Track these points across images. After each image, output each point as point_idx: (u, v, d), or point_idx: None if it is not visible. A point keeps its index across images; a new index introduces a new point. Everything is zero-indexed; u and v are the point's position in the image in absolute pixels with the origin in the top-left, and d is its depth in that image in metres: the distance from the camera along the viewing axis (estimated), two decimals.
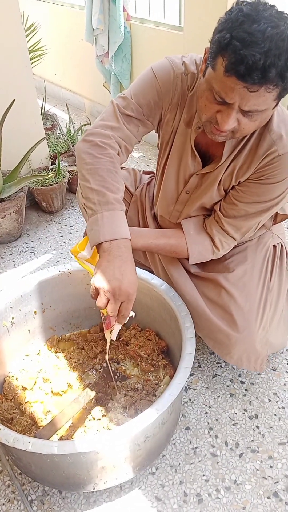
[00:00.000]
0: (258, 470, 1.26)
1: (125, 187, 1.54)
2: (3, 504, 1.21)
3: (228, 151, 1.13)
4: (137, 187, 1.58)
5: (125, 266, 0.97)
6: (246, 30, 0.82)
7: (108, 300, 0.96)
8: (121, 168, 1.60)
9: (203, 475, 1.26)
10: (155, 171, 1.46)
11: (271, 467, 1.27)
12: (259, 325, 1.27)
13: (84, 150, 1.10)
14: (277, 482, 1.23)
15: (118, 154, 1.12)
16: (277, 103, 0.94)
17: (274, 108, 0.96)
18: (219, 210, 1.24)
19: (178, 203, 1.32)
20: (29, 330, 1.44)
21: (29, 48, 3.03)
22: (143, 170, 1.64)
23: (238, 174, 1.15)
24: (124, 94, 1.16)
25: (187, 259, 1.30)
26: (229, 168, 1.16)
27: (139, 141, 1.22)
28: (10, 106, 2.01)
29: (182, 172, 1.25)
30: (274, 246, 1.44)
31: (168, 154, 1.26)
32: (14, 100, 2.02)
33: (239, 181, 1.17)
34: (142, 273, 1.38)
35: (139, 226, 1.52)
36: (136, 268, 1.38)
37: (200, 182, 1.24)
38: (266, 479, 1.24)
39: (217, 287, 1.32)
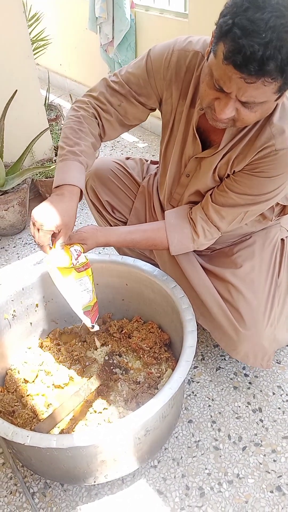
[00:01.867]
0: (261, 464, 1.25)
1: (132, 177, 1.52)
2: (5, 496, 1.21)
3: (227, 140, 1.11)
4: (144, 177, 1.55)
5: (60, 204, 1.05)
6: (248, 18, 0.78)
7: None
8: (128, 158, 1.57)
9: (206, 469, 1.25)
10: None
11: (274, 461, 1.26)
12: (267, 322, 1.25)
13: (66, 116, 1.21)
14: (280, 476, 1.22)
15: (93, 116, 1.18)
16: (280, 96, 0.91)
17: (277, 100, 0.93)
18: (210, 195, 1.20)
19: (180, 186, 1.30)
20: (31, 323, 1.43)
21: (32, 38, 3.00)
22: (150, 160, 1.62)
23: (233, 163, 1.13)
24: (117, 72, 1.20)
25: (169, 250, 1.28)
26: (225, 157, 1.13)
27: (124, 118, 1.22)
28: (12, 97, 1.99)
29: (183, 154, 1.23)
30: (282, 240, 1.42)
31: (169, 135, 1.24)
32: (16, 91, 2.00)
33: (234, 171, 1.14)
34: (144, 265, 1.36)
35: (146, 217, 1.51)
36: (139, 260, 1.38)
37: (198, 166, 1.21)
38: (269, 473, 1.23)
39: (224, 283, 1.30)
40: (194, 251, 1.32)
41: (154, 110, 1.26)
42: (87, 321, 1.15)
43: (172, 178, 1.30)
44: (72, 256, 1.09)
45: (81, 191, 1.11)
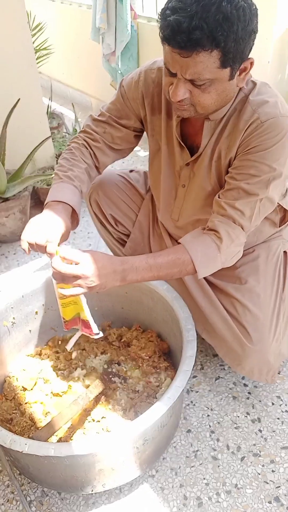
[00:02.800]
0: (259, 474, 1.25)
1: (136, 189, 1.53)
2: (2, 504, 1.21)
3: (208, 134, 1.12)
4: (148, 190, 1.56)
5: (50, 216, 1.09)
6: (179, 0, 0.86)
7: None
8: (131, 171, 1.58)
9: (204, 479, 1.24)
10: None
11: (273, 471, 1.25)
12: (273, 337, 1.24)
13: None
14: (279, 486, 1.22)
15: (83, 146, 1.27)
16: (232, 74, 0.95)
17: (231, 79, 0.96)
18: (219, 197, 1.13)
19: (177, 199, 1.30)
20: (30, 330, 1.43)
21: (36, 47, 3.03)
22: None
23: (226, 154, 1.12)
24: (100, 107, 1.31)
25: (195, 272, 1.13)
26: (215, 152, 1.13)
27: (112, 143, 1.29)
28: (15, 106, 2.01)
29: (175, 165, 1.25)
30: (285, 252, 1.41)
31: (153, 150, 1.30)
32: (19, 99, 2.02)
33: (230, 160, 1.12)
34: None
35: (150, 231, 1.51)
36: None
37: (191, 173, 1.22)
38: (267, 483, 1.23)
39: (228, 297, 1.29)
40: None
41: (140, 132, 1.32)
42: (94, 327, 1.14)
43: (168, 193, 1.32)
44: None
45: (73, 211, 1.15)
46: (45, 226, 1.05)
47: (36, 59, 2.87)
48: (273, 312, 1.27)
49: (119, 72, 3.06)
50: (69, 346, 1.28)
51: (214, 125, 1.11)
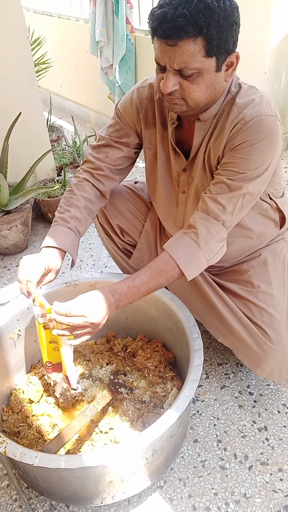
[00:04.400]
0: (268, 483, 1.25)
1: (142, 199, 1.54)
2: None
3: (199, 135, 1.16)
4: None
5: (35, 256, 1.18)
6: None
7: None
8: (136, 182, 1.60)
9: (212, 489, 1.24)
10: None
11: (281, 480, 1.25)
12: None
13: None
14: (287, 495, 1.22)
15: (84, 180, 1.31)
16: (219, 65, 0.99)
17: (218, 70, 1.00)
18: (205, 193, 1.15)
19: (179, 205, 1.33)
20: (35, 342, 1.43)
21: (34, 61, 3.06)
22: None
23: (215, 154, 1.15)
24: (99, 133, 1.36)
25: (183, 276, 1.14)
26: (207, 153, 1.17)
27: (116, 166, 1.32)
28: (16, 119, 2.03)
29: (172, 172, 1.28)
30: None
31: (150, 161, 1.33)
32: (20, 113, 2.04)
33: (219, 157, 1.15)
34: None
35: (156, 239, 1.52)
36: None
37: (190, 178, 1.25)
38: (276, 492, 1.22)
39: (242, 300, 1.31)
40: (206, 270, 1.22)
41: (139, 148, 1.36)
42: (73, 382, 1.15)
43: (168, 201, 1.34)
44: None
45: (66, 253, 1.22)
46: (27, 266, 1.14)
47: (35, 72, 2.90)
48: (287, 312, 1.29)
49: (117, 85, 3.10)
50: (57, 393, 1.28)
51: (204, 125, 1.15)
